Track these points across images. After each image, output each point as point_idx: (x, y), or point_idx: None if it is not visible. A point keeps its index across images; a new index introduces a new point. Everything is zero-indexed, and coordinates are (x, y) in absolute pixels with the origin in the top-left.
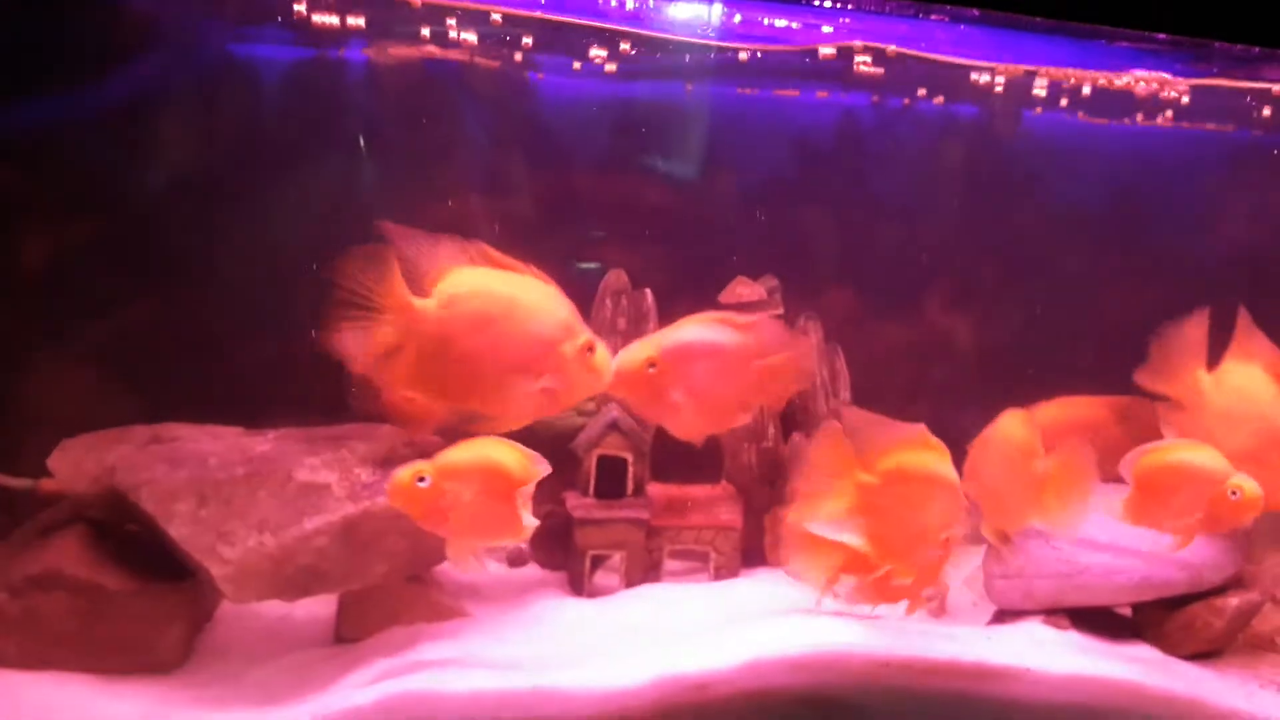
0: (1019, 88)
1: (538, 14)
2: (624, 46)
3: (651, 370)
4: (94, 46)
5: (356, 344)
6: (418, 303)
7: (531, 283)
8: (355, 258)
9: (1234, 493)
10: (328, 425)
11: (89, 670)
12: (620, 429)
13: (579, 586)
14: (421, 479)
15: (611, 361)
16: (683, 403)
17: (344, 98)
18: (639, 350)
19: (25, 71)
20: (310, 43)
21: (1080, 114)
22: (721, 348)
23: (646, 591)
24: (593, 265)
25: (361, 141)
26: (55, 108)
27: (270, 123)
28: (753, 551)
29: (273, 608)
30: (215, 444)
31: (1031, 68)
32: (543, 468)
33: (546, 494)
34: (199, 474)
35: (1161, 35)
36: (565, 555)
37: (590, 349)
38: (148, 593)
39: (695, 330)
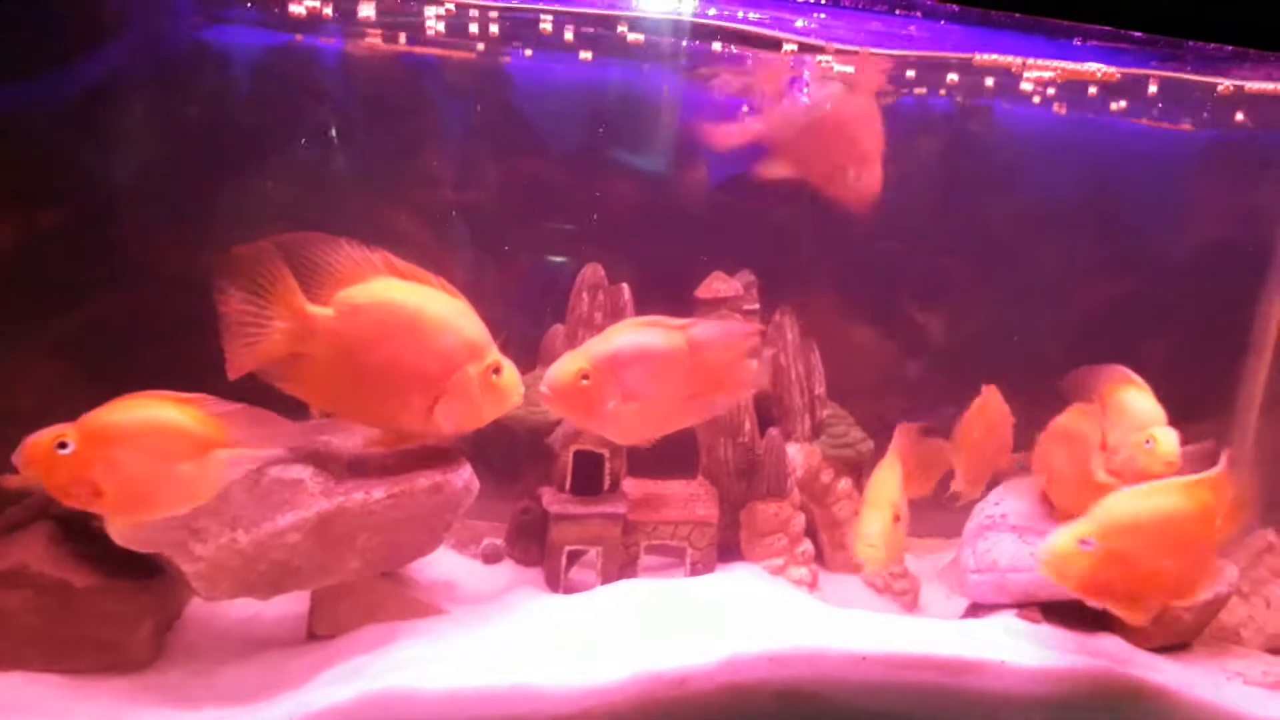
0: (991, 82)
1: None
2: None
3: (585, 383)
4: (60, 30)
5: (242, 350)
6: (313, 310)
7: (439, 298)
8: (245, 260)
9: (1148, 442)
10: (298, 420)
11: (57, 669)
12: None
13: (555, 583)
14: (63, 444)
15: (519, 383)
16: (621, 409)
17: (317, 86)
18: (569, 363)
19: None
20: (282, 29)
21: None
22: (653, 350)
23: (623, 587)
24: (562, 259)
25: (334, 131)
26: (17, 93)
27: (242, 111)
28: (728, 546)
29: (243, 605)
30: None
31: (1002, 60)
32: (244, 430)
33: (522, 489)
34: None
35: (1138, 34)
36: (541, 551)
37: (496, 370)
38: (116, 590)
39: (625, 336)
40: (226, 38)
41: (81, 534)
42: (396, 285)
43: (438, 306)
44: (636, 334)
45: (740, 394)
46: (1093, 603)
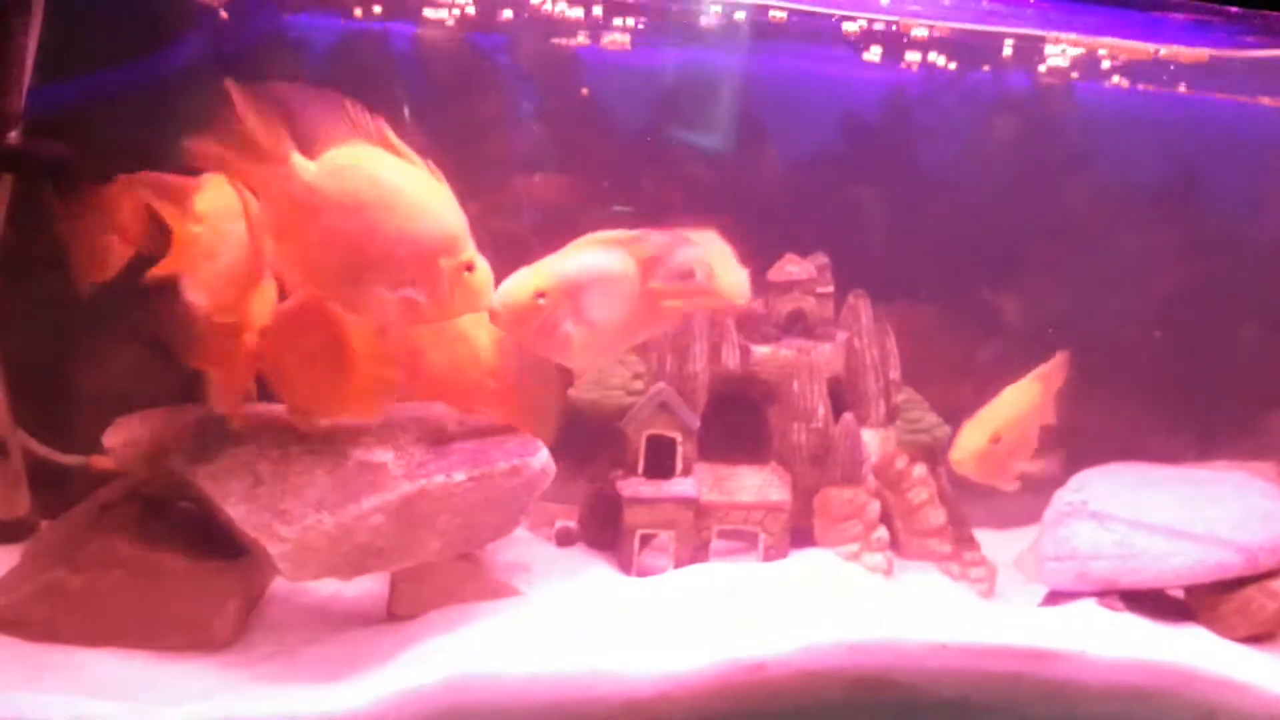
0: (1075, 60)
1: None
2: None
3: (541, 302)
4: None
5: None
6: (298, 159)
7: (428, 181)
8: (246, 99)
9: None
10: None
11: (147, 647)
12: (669, 409)
13: (628, 566)
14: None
15: (491, 285)
16: (575, 333)
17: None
18: (526, 280)
19: (80, 46)
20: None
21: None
22: (612, 271)
23: (697, 571)
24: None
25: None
26: (110, 81)
27: None
28: (801, 532)
29: (322, 585)
30: (269, 422)
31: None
32: None
33: (595, 473)
34: (254, 452)
35: (1233, 10)
36: (613, 534)
37: (469, 268)
38: (204, 570)
39: (584, 255)
40: (308, 23)
41: (169, 514)
42: (390, 160)
43: (423, 189)
44: (595, 253)
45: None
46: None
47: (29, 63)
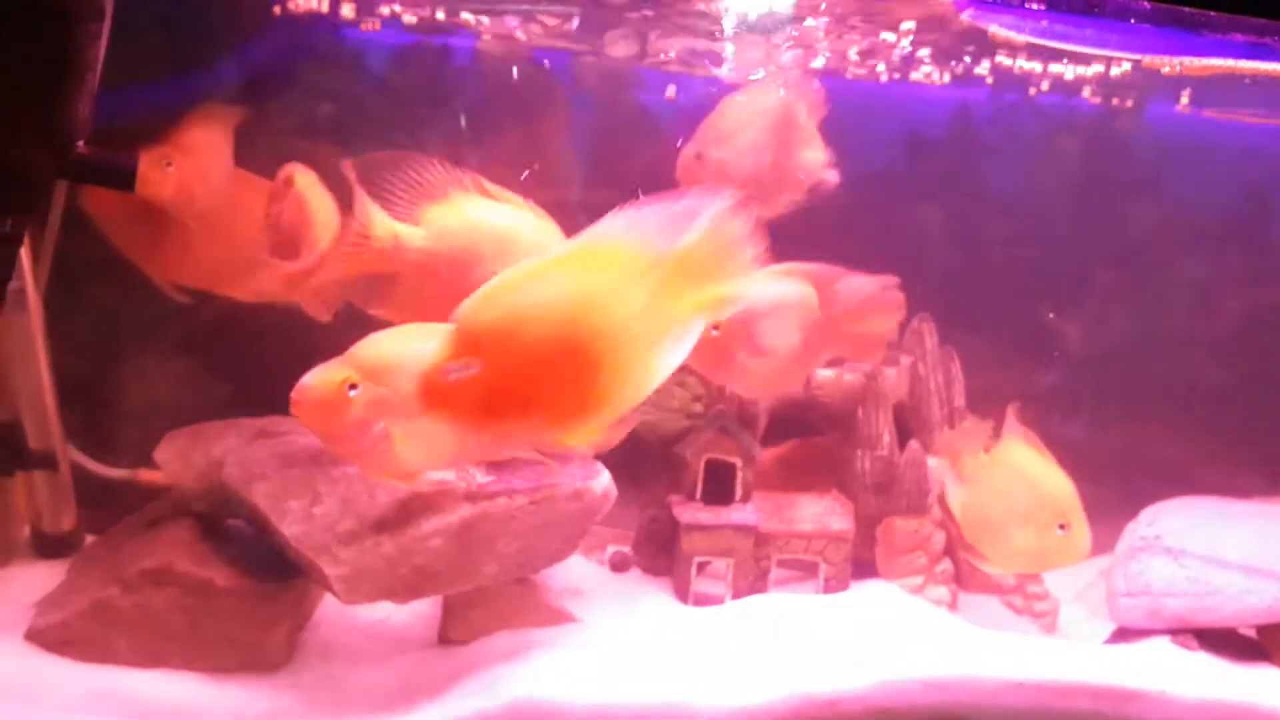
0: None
1: None
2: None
3: (714, 334)
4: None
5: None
6: (402, 229)
7: (530, 220)
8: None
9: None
10: None
11: (198, 669)
12: (729, 433)
13: (684, 594)
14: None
15: None
16: (750, 363)
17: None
18: None
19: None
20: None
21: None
22: (786, 299)
23: (757, 602)
24: None
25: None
26: (177, 90)
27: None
28: (861, 563)
29: (372, 608)
30: None
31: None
32: None
33: (651, 497)
34: (312, 471)
35: None
36: (669, 561)
37: None
38: (256, 591)
39: (762, 288)
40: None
41: (220, 533)
42: (487, 205)
43: (528, 229)
44: (768, 286)
45: (872, 355)
46: None
47: (98, 71)
